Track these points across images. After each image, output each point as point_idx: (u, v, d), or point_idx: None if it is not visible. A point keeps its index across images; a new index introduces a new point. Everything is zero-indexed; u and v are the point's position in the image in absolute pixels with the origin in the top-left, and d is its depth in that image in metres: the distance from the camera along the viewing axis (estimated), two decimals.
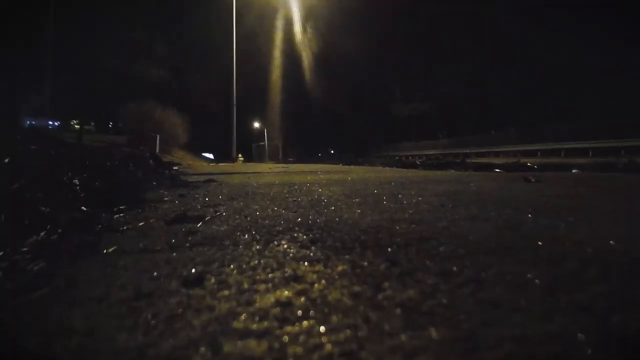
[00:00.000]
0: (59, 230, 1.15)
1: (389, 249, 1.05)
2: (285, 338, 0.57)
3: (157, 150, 13.61)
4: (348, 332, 0.58)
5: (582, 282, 0.78)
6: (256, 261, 0.95)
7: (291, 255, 1.01)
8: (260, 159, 22.71)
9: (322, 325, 0.61)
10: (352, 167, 8.45)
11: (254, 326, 0.61)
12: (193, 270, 0.88)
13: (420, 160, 11.47)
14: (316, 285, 0.78)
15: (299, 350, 0.54)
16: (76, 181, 1.89)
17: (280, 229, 1.34)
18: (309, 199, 2.19)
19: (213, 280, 0.82)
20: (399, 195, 2.29)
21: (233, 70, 17.44)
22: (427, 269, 0.87)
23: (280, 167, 8.63)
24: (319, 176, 4.52)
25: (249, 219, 1.56)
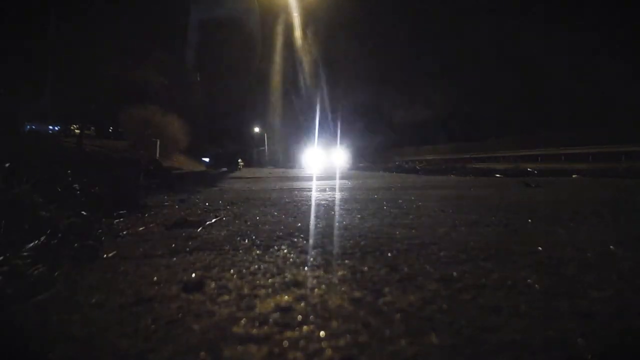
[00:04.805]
0: (59, 235, 1.14)
1: (389, 254, 1.05)
2: (286, 343, 0.57)
3: (158, 155, 13.60)
4: (348, 337, 0.58)
5: (582, 287, 0.78)
6: (256, 266, 0.95)
7: (291, 260, 1.01)
8: (260, 164, 22.66)
9: (323, 330, 0.60)
10: (352, 172, 8.45)
11: (254, 331, 0.60)
12: (193, 275, 0.88)
13: (420, 165, 11.44)
14: (316, 290, 0.78)
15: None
16: (76, 186, 1.88)
17: (280, 234, 1.34)
18: (309, 204, 2.19)
19: (213, 285, 0.82)
20: (400, 201, 2.29)
21: (233, 75, 17.44)
22: (428, 274, 0.87)
23: (280, 172, 8.63)
24: (319, 181, 4.52)
25: (248, 223, 1.56)
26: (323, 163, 14.20)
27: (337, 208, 2.00)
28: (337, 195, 2.69)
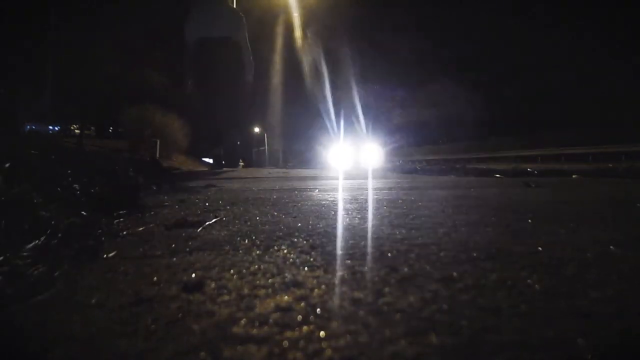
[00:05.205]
0: (59, 235, 1.14)
1: (389, 255, 1.05)
2: (285, 343, 0.57)
3: (158, 155, 13.59)
4: (348, 337, 0.58)
5: (582, 287, 0.78)
6: (256, 267, 0.95)
7: (291, 260, 1.01)
8: (260, 164, 22.64)
9: (322, 330, 0.60)
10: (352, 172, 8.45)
11: (254, 331, 0.60)
12: (193, 276, 0.88)
13: (420, 165, 11.36)
14: (316, 290, 0.78)
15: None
16: (76, 186, 1.89)
17: (280, 234, 1.34)
18: (309, 204, 2.19)
19: (213, 285, 0.82)
20: (399, 201, 2.30)
21: (232, 73, 17.33)
22: (428, 274, 0.87)
23: (280, 172, 8.63)
24: (319, 181, 4.52)
25: (248, 224, 1.56)
26: (351, 161, 12.09)
27: (336, 208, 2.00)
28: (336, 195, 2.70)
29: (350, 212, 1.84)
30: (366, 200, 2.33)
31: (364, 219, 1.65)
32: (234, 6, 8.27)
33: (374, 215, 1.76)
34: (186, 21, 7.33)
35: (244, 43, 7.31)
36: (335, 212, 1.87)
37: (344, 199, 2.45)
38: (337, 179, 5.07)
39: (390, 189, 3.25)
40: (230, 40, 7.07)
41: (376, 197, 2.55)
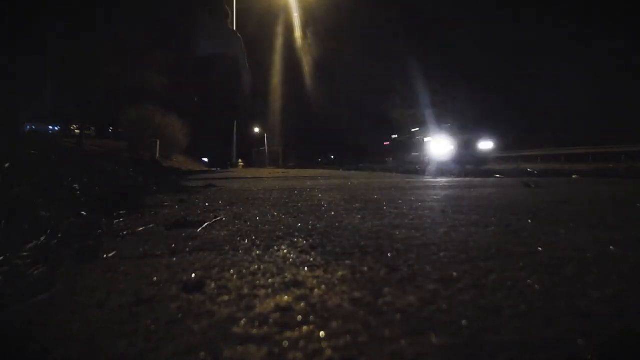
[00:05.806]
0: (59, 235, 1.14)
1: (389, 254, 1.05)
2: (285, 343, 0.57)
3: (157, 155, 13.61)
4: (348, 337, 0.58)
5: (582, 287, 0.78)
6: (256, 267, 0.95)
7: (291, 260, 1.01)
8: (260, 164, 22.64)
9: (322, 330, 0.60)
10: (352, 172, 8.45)
11: (254, 331, 0.60)
12: (193, 276, 0.88)
13: (420, 166, 11.18)
14: (316, 290, 0.78)
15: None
16: (76, 186, 1.89)
17: (280, 234, 1.34)
18: (309, 204, 2.19)
19: (213, 285, 0.82)
20: (399, 201, 2.30)
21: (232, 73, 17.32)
22: (428, 274, 0.87)
23: (280, 172, 8.64)
24: (319, 181, 4.52)
25: (248, 224, 1.56)
26: (456, 155, 9.90)
27: (336, 208, 2.00)
28: (337, 195, 2.70)
29: None
30: None
31: None
32: (234, 11, 8.70)
33: None
34: (189, 38, 7.76)
35: (242, 59, 7.86)
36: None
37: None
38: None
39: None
40: (230, 56, 7.64)
41: None
